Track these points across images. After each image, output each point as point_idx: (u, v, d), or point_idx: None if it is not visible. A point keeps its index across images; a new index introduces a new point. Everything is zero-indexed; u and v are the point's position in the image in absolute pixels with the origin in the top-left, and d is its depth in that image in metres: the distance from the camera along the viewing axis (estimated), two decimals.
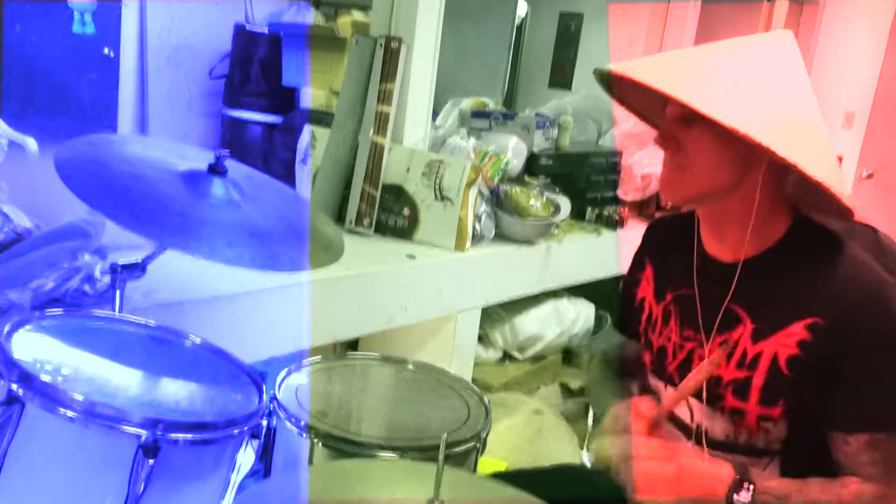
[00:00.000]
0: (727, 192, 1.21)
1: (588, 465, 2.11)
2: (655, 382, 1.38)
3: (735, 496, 1.15)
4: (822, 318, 1.17)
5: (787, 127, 1.11)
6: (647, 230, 1.53)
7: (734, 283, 1.23)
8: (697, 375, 1.23)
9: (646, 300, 1.42)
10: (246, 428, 1.20)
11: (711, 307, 1.26)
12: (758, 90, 1.13)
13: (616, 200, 3.29)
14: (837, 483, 1.18)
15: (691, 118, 1.16)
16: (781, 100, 1.14)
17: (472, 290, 2.55)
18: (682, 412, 1.32)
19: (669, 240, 1.41)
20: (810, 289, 1.19)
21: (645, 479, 1.18)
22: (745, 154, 1.16)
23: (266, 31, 4.01)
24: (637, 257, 1.49)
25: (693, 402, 1.29)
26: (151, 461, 1.07)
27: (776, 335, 1.20)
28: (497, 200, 2.68)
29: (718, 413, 1.26)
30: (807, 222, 1.25)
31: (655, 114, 1.36)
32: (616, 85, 1.33)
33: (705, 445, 1.28)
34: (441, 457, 0.92)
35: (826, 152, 1.15)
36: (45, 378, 1.09)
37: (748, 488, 1.15)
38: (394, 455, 1.29)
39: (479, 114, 3.16)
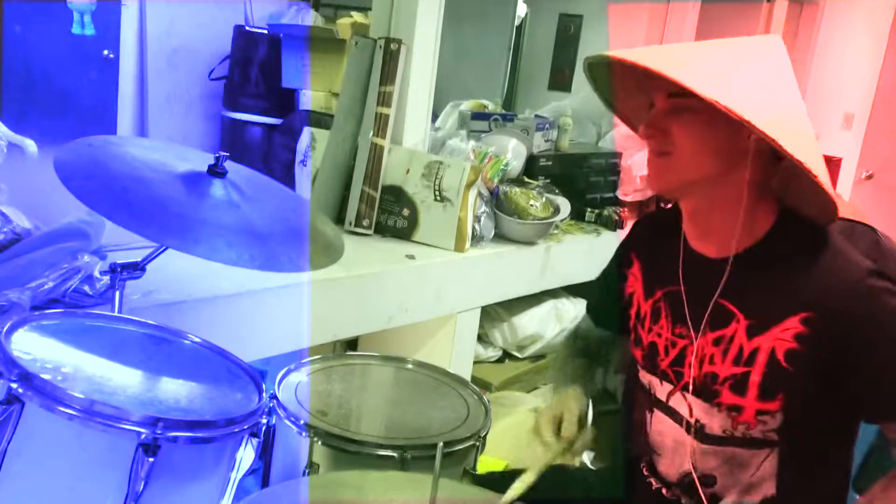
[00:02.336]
0: (713, 183, 1.21)
1: (587, 463, 2.12)
2: (647, 377, 1.38)
3: None
4: (814, 312, 1.17)
5: (775, 114, 1.11)
6: (635, 225, 1.53)
7: (724, 279, 1.23)
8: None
9: (634, 295, 1.42)
10: (245, 426, 1.20)
11: (700, 304, 1.26)
12: (747, 79, 1.14)
13: (615, 201, 3.29)
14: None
15: (680, 107, 1.17)
16: (770, 90, 1.15)
17: (472, 290, 2.55)
18: (681, 407, 1.32)
19: (657, 235, 1.41)
20: (799, 282, 1.19)
21: None
22: (731, 142, 1.17)
23: (266, 32, 4.01)
24: (623, 252, 1.48)
25: (690, 398, 1.29)
26: (151, 459, 1.07)
27: (771, 330, 1.20)
28: (497, 201, 2.69)
29: (716, 409, 1.26)
30: (791, 215, 1.25)
31: (637, 113, 1.36)
32: (604, 82, 1.32)
33: (705, 441, 1.29)
34: (437, 464, 0.93)
35: (812, 143, 1.15)
36: (45, 377, 1.09)
37: None
38: (393, 454, 1.29)
39: (479, 115, 3.16)
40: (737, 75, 1.14)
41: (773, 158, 1.19)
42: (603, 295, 1.53)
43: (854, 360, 1.17)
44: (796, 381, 1.20)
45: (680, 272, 1.31)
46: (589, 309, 1.59)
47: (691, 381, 1.29)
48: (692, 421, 1.30)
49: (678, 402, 1.32)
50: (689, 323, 1.29)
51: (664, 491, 1.38)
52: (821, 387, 1.19)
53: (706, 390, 1.27)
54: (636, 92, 1.32)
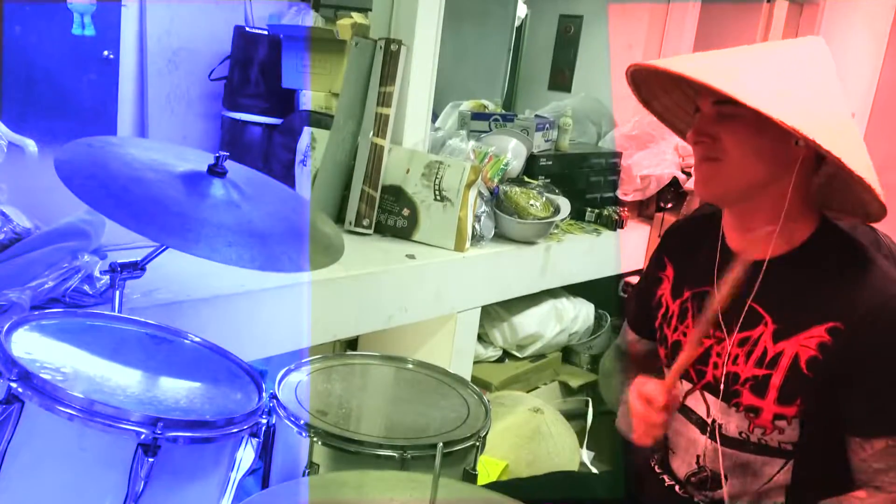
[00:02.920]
0: (760, 189, 1.21)
1: (588, 463, 2.12)
2: None
3: None
4: (842, 323, 1.18)
5: (825, 122, 1.11)
6: (666, 234, 1.53)
7: (758, 281, 1.24)
8: (687, 353, 1.25)
9: (663, 297, 1.43)
10: (245, 426, 1.20)
11: (732, 304, 1.26)
12: (795, 85, 1.14)
13: (615, 201, 3.29)
14: (845, 500, 1.19)
15: (727, 113, 1.17)
16: (818, 96, 1.15)
17: (472, 289, 2.55)
18: (698, 407, 1.33)
19: (690, 240, 1.42)
20: (833, 293, 1.20)
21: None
22: (780, 149, 1.17)
23: (266, 33, 4.02)
24: (656, 257, 1.49)
25: (710, 397, 1.30)
26: (151, 459, 1.07)
27: (797, 336, 1.21)
28: (497, 201, 2.69)
29: (734, 409, 1.27)
30: (832, 227, 1.26)
31: (679, 116, 1.37)
32: (644, 86, 1.32)
33: (719, 441, 1.29)
34: (437, 464, 0.93)
35: (862, 149, 1.15)
36: (45, 376, 1.09)
37: None
38: (393, 454, 1.29)
39: (479, 115, 3.16)
40: (784, 82, 1.14)
41: (816, 164, 1.20)
42: (642, 307, 1.52)
43: (860, 372, 1.17)
44: (815, 389, 1.20)
45: (714, 273, 1.31)
46: (632, 325, 1.58)
47: (713, 380, 1.29)
48: (709, 421, 1.31)
49: (695, 402, 1.33)
50: (720, 323, 1.28)
51: (677, 488, 1.38)
52: (836, 399, 1.20)
53: (726, 390, 1.27)
54: (681, 98, 1.33)
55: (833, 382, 1.19)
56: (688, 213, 3.12)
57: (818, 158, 1.17)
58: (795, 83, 1.15)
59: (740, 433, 1.28)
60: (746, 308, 1.25)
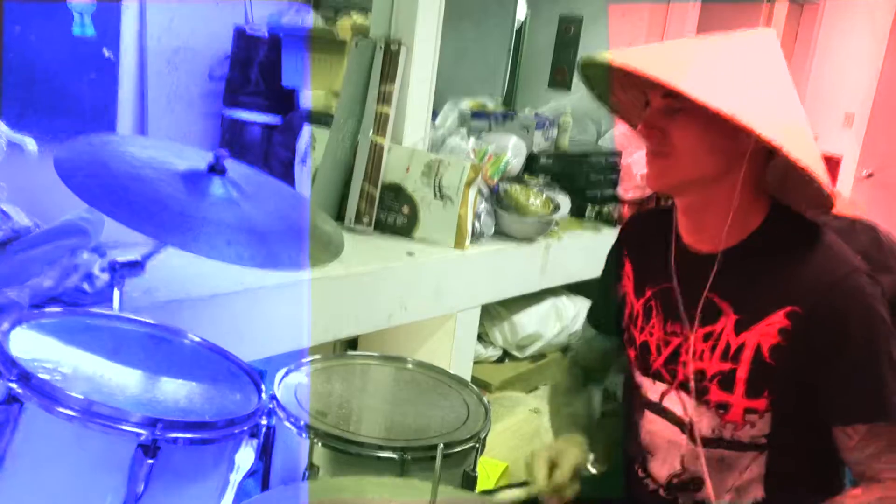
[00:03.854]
0: (710, 181, 1.21)
1: (589, 466, 2.11)
2: (639, 379, 1.38)
3: None
4: (800, 307, 1.17)
5: (771, 113, 1.11)
6: (625, 224, 1.53)
7: (713, 273, 1.23)
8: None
9: (627, 297, 1.42)
10: (245, 427, 1.20)
11: (693, 300, 1.26)
12: (741, 77, 1.14)
13: (615, 199, 3.29)
14: (839, 500, 1.18)
15: (676, 107, 1.17)
16: (764, 88, 1.15)
17: (472, 288, 2.55)
18: (675, 407, 1.32)
19: (647, 234, 1.41)
20: (788, 277, 1.19)
21: None
22: (729, 142, 1.16)
23: (266, 32, 4.01)
24: (615, 252, 1.48)
25: (684, 396, 1.29)
26: (151, 460, 1.06)
27: (758, 325, 1.20)
28: (497, 199, 2.68)
29: (704, 407, 1.26)
30: (783, 211, 1.25)
31: (633, 110, 1.36)
32: (598, 81, 1.32)
33: (699, 440, 1.28)
34: (437, 465, 0.92)
35: (808, 139, 1.15)
36: (44, 377, 1.09)
37: None
38: (393, 455, 1.29)
39: (479, 114, 3.16)
40: (730, 74, 1.13)
41: (766, 155, 1.19)
42: (601, 301, 1.52)
43: (827, 357, 1.17)
44: (780, 377, 1.20)
45: (673, 268, 1.30)
46: (590, 318, 1.57)
47: (684, 378, 1.28)
48: (686, 420, 1.30)
49: (672, 402, 1.32)
50: (683, 320, 1.28)
51: (661, 492, 1.37)
52: (803, 385, 1.19)
53: (696, 387, 1.26)
54: (631, 89, 1.32)
55: (798, 369, 1.18)
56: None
57: (769, 150, 1.16)
58: (741, 75, 1.14)
59: (713, 430, 1.27)
60: (704, 301, 1.25)
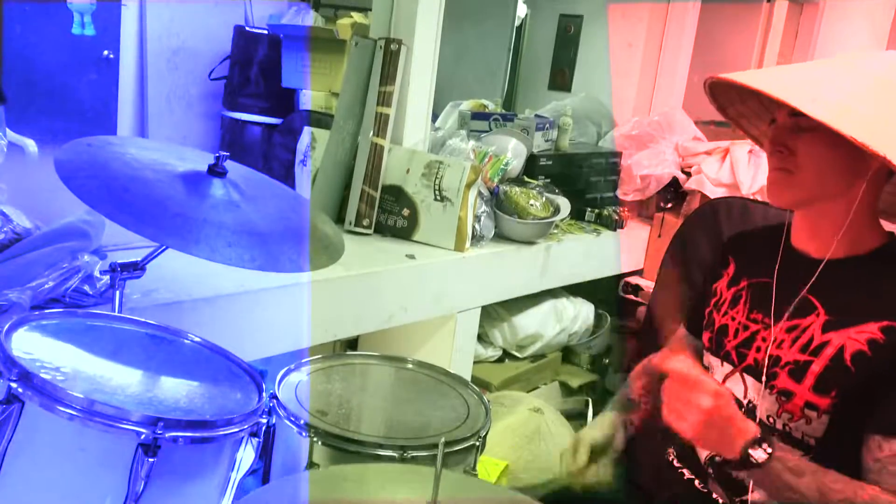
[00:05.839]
0: (830, 198, 1.25)
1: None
2: (709, 360, 1.41)
3: (751, 450, 1.14)
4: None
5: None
6: (731, 238, 1.56)
7: (816, 274, 1.26)
8: None
9: (719, 288, 1.45)
10: (245, 426, 1.20)
11: (787, 295, 1.29)
12: (869, 100, 1.16)
13: (615, 201, 3.29)
14: (857, 483, 1.18)
15: (803, 126, 1.20)
16: (892, 110, 1.16)
17: (472, 289, 2.55)
18: (736, 389, 1.34)
19: (754, 238, 1.46)
20: (891, 295, 1.22)
21: (677, 405, 1.15)
22: (854, 163, 1.20)
23: (266, 32, 4.02)
24: (722, 255, 1.51)
25: (749, 379, 1.32)
26: (151, 459, 1.07)
27: (849, 329, 1.22)
28: (497, 201, 2.69)
29: (767, 391, 1.28)
30: None
31: (754, 123, 1.41)
32: (721, 93, 1.36)
33: (757, 420, 1.30)
34: (439, 460, 0.93)
35: None
36: (45, 376, 1.09)
37: (766, 449, 1.14)
38: (393, 454, 1.29)
39: (479, 115, 3.16)
40: (859, 96, 1.16)
41: (888, 176, 1.23)
42: (697, 297, 1.55)
43: None
44: (853, 384, 1.21)
45: (777, 266, 1.34)
46: (684, 314, 1.60)
47: (753, 363, 1.31)
48: (745, 402, 1.32)
49: (735, 384, 1.35)
50: (770, 311, 1.31)
51: (697, 483, 1.38)
52: (870, 399, 1.20)
53: (770, 374, 1.29)
54: (757, 107, 1.37)
55: (873, 381, 1.19)
56: (687, 212, 3.12)
57: (890, 172, 1.21)
58: (870, 98, 1.16)
59: (768, 417, 1.29)
60: (800, 298, 1.28)
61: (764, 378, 1.29)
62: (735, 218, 1.77)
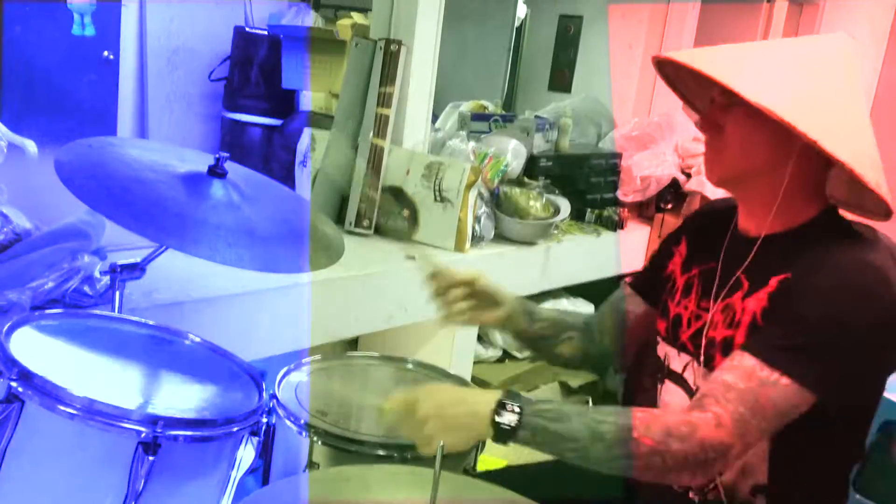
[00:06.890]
0: (760, 175, 1.26)
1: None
2: (665, 349, 1.40)
3: (497, 417, 1.14)
4: (791, 273, 1.20)
5: (824, 114, 1.15)
6: (692, 214, 1.59)
7: (753, 253, 1.27)
8: None
9: (674, 272, 1.46)
10: (246, 426, 1.21)
11: (729, 277, 1.30)
12: (799, 78, 1.18)
13: (615, 202, 3.29)
14: (623, 411, 1.16)
15: (732, 104, 1.22)
16: (821, 90, 1.18)
17: None
18: (688, 374, 1.34)
19: (709, 222, 1.46)
20: (803, 257, 1.22)
21: (416, 435, 1.19)
22: (780, 140, 1.20)
23: (266, 33, 4.01)
24: (675, 233, 1.53)
25: (693, 364, 1.32)
26: (151, 458, 1.07)
27: (758, 292, 1.23)
28: (497, 201, 2.69)
29: (709, 373, 1.27)
30: (835, 213, 1.29)
31: (702, 101, 1.42)
32: (673, 73, 1.41)
33: None
34: (438, 460, 0.93)
35: (865, 144, 1.18)
36: (45, 376, 1.09)
37: (513, 409, 1.15)
38: (393, 454, 1.29)
39: (479, 116, 3.16)
40: (788, 75, 1.18)
41: (825, 158, 1.21)
42: (650, 267, 1.57)
43: (788, 310, 1.18)
44: None
45: (722, 250, 1.35)
46: (634, 283, 1.60)
47: (701, 348, 1.31)
48: (694, 389, 1.32)
49: (691, 373, 1.35)
50: (712, 295, 1.32)
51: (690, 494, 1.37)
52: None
53: (705, 355, 1.30)
54: (700, 88, 1.39)
55: (777, 331, 1.18)
56: (687, 213, 3.12)
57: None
58: (800, 77, 1.18)
59: None
60: (734, 279, 1.29)
61: (702, 359, 1.29)
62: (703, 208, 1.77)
